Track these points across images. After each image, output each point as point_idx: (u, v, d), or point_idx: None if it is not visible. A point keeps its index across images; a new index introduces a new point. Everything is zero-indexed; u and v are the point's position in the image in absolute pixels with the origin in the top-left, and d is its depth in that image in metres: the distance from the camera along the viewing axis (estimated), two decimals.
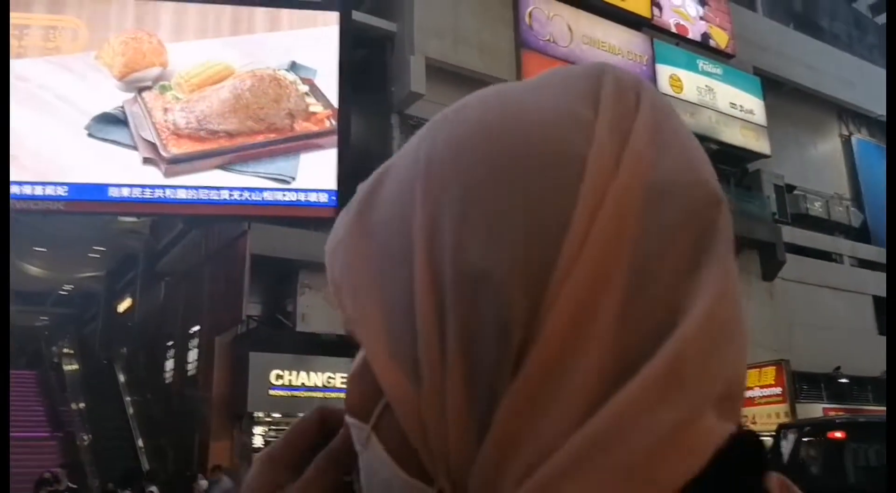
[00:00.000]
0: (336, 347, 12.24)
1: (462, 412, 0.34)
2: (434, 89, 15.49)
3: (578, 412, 0.32)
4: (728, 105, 21.74)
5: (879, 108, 28.62)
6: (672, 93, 20.16)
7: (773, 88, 23.67)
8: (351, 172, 13.36)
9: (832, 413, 23.31)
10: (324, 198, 13.57)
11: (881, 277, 26.35)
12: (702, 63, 21.34)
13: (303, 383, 12.78)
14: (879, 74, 29.74)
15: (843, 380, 23.97)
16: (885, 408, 23.74)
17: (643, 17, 20.01)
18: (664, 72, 20.17)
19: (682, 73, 20.74)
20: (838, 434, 8.10)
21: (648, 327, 0.33)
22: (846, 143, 28.98)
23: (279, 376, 12.71)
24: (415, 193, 0.38)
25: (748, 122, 22.33)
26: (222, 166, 13.17)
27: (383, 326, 0.37)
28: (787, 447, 7.64)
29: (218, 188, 13.12)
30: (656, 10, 20.36)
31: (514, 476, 0.32)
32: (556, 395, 0.33)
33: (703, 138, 21.35)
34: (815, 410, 22.68)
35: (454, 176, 0.37)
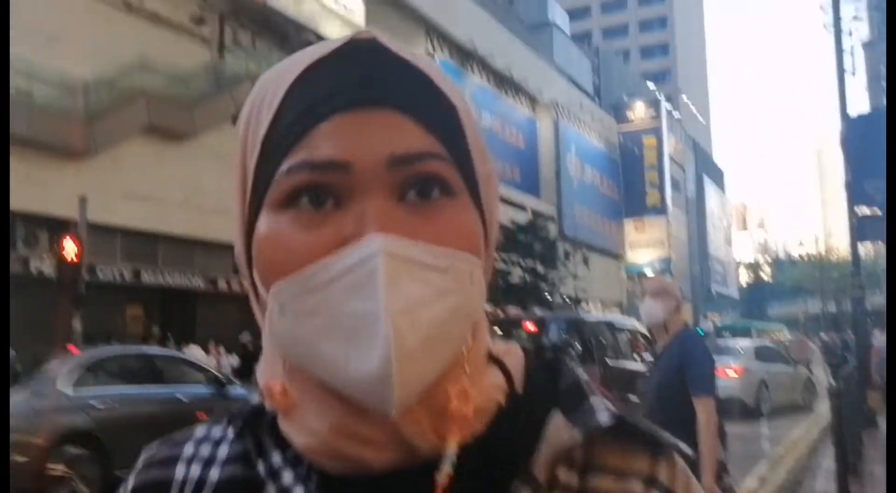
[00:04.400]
0: None
1: None
2: None
3: None
4: None
5: (461, 35, 31.52)
6: None
7: None
8: None
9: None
10: None
11: None
12: None
13: None
14: (471, 7, 32.70)
15: None
16: None
17: None
18: None
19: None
20: (532, 327, 10.32)
21: None
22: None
23: None
24: None
25: (348, 20, 22.78)
26: None
27: None
28: None
29: None
30: None
31: None
32: None
33: (303, 28, 21.31)
34: None
35: None
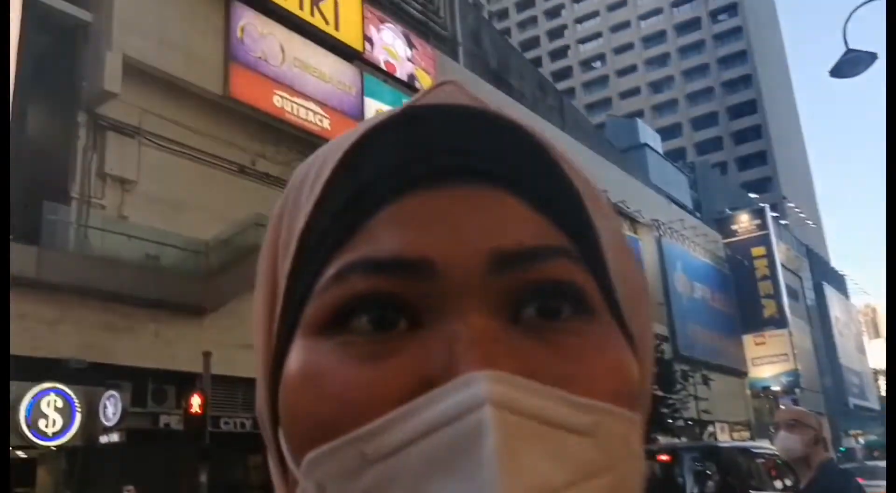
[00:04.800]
0: None
1: None
2: (131, 91, 14.40)
3: None
4: None
5: None
6: None
7: None
8: (23, 171, 11.84)
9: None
10: None
11: None
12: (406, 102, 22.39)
13: None
14: (555, 131, 33.58)
15: None
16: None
17: (355, 49, 20.50)
18: (371, 105, 20.76)
19: (388, 110, 21.55)
20: (665, 458, 10.08)
21: None
22: None
23: None
24: None
25: None
26: None
27: None
28: None
29: None
30: (368, 45, 20.99)
31: None
32: None
33: None
34: None
35: None
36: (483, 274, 0.32)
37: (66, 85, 14.15)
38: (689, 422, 30.43)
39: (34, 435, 11.20)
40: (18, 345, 11.21)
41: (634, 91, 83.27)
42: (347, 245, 0.33)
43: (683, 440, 25.09)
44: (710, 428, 34.60)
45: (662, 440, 23.17)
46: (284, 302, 0.37)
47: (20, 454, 11.81)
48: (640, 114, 72.25)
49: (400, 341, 0.32)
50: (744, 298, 51.01)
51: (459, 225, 0.33)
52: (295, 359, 0.35)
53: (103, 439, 12.33)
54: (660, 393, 27.46)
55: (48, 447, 11.59)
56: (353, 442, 0.30)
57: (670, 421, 27.23)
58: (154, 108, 15.92)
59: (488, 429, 0.27)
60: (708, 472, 8.88)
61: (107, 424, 12.21)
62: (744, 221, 54.37)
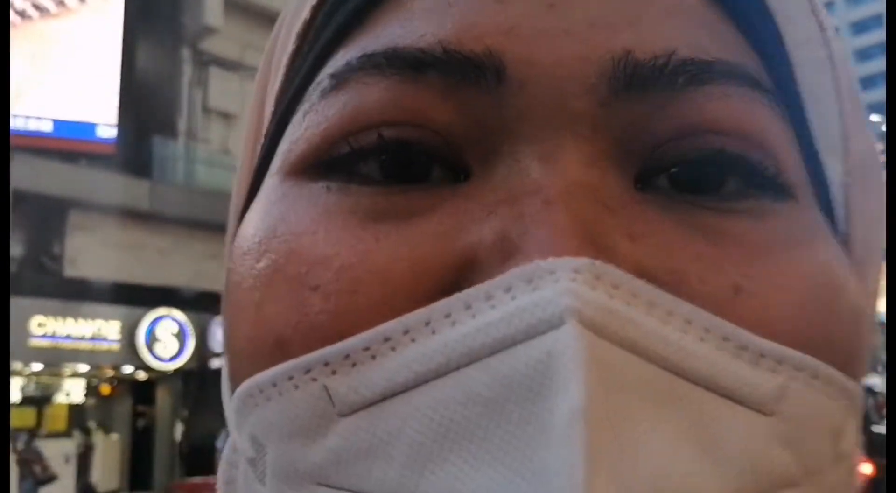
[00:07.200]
0: (108, 294, 11.35)
1: None
2: (233, 25, 14.58)
3: None
4: None
5: None
6: None
7: None
8: (134, 107, 12.30)
9: None
10: (102, 132, 12.40)
11: None
12: None
13: (69, 334, 11.73)
14: None
15: None
16: None
17: None
18: None
19: None
20: None
21: None
22: None
23: (41, 325, 11.57)
24: None
25: None
26: None
27: None
28: None
29: None
30: None
31: None
32: None
33: None
34: None
35: None
36: (596, 95, 0.17)
37: (169, 21, 14.44)
38: None
39: (153, 357, 11.92)
40: (136, 274, 11.89)
41: None
42: (362, 30, 0.19)
43: None
44: None
45: None
46: (266, 132, 0.23)
47: (141, 375, 12.64)
48: None
49: (431, 196, 0.18)
50: None
51: (561, 3, 0.18)
52: (253, 211, 0.21)
53: (214, 363, 13.02)
54: None
55: (166, 369, 12.33)
56: (316, 369, 0.17)
57: None
58: (255, 41, 16.10)
59: (571, 370, 0.13)
60: None
61: (216, 349, 12.85)
62: None
